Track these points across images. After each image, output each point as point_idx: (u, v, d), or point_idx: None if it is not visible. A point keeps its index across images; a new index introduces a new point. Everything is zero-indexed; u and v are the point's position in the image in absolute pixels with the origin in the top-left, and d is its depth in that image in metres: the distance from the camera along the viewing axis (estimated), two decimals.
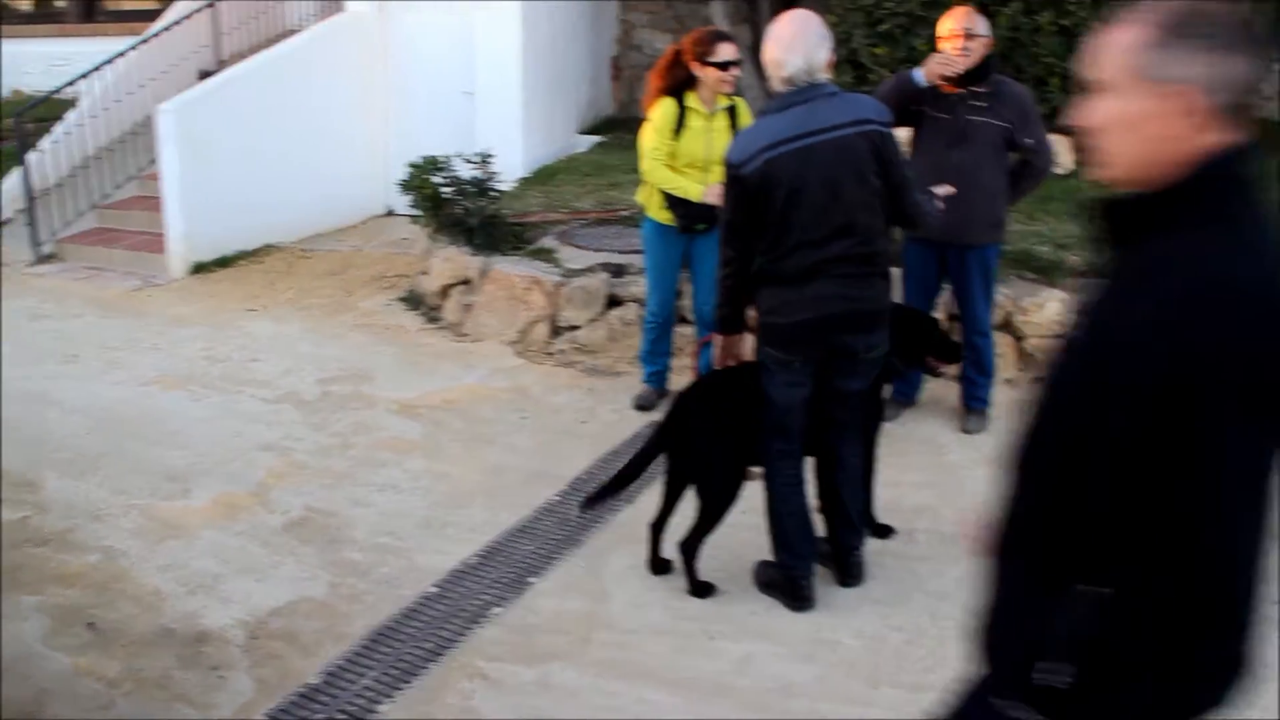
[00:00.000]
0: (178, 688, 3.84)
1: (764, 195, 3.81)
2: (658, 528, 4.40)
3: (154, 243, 9.11)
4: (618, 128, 10.54)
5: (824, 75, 3.89)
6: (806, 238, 3.83)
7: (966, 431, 5.60)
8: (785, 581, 4.16)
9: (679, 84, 5.41)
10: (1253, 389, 1.61)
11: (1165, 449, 1.63)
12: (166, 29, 10.70)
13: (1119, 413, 1.66)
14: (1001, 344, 6.09)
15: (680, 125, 5.37)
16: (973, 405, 5.68)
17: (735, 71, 5.32)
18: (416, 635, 4.08)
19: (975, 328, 5.55)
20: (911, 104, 5.22)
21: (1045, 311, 6.09)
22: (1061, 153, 8.35)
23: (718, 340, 4.19)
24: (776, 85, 3.91)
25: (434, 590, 4.36)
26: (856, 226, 3.85)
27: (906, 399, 5.87)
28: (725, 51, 5.25)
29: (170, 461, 5.54)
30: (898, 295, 5.81)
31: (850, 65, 8.62)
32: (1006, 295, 6.15)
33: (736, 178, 3.86)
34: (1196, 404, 1.60)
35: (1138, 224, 1.75)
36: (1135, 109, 1.70)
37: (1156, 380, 1.62)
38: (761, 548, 4.25)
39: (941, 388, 5.99)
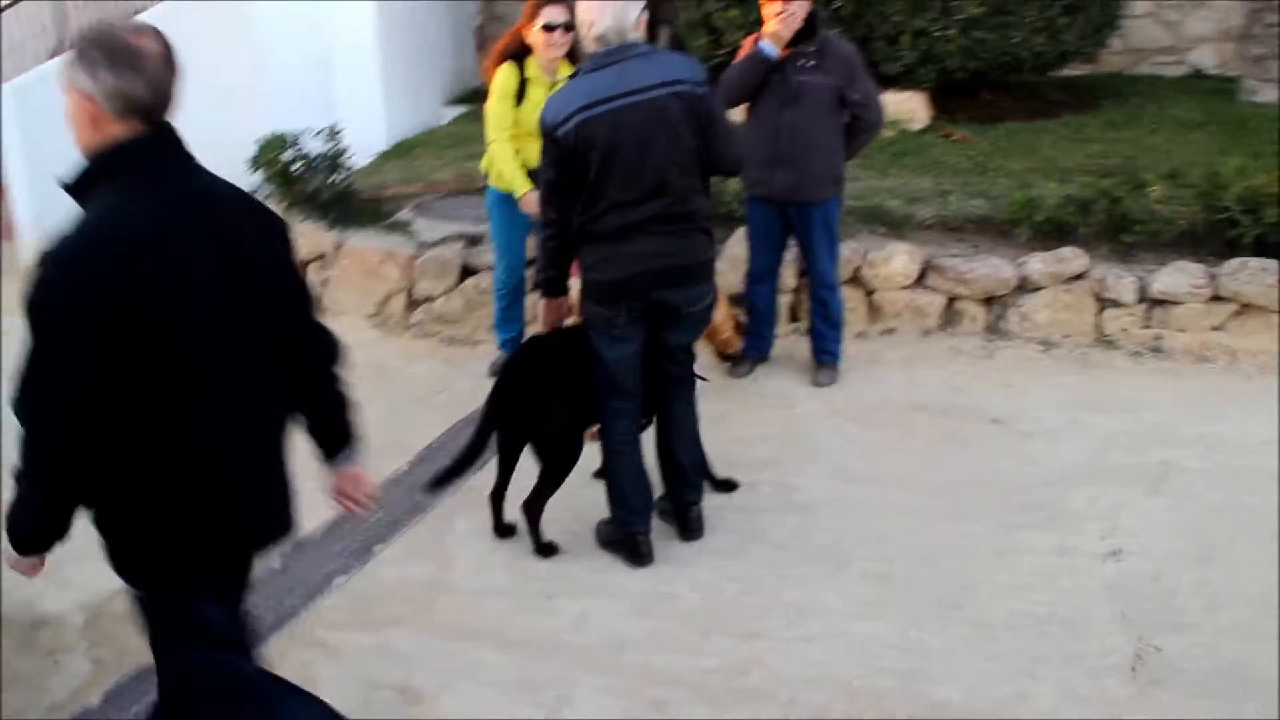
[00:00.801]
0: (12, 673, 3.76)
1: (579, 157, 3.83)
2: (497, 496, 4.41)
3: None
4: (484, 98, 10.42)
5: (636, 35, 3.90)
6: (621, 198, 3.85)
7: (817, 385, 5.69)
8: (624, 539, 4.20)
9: (519, 51, 5.38)
10: (122, 313, 2.29)
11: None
12: (9, 5, 10.30)
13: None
14: (852, 298, 6.20)
15: (521, 95, 5.34)
16: (823, 359, 5.77)
17: (560, 35, 5.23)
18: (258, 608, 4.01)
19: (821, 281, 5.64)
20: (771, 74, 5.31)
21: (892, 264, 6.21)
22: (917, 109, 8.53)
23: (543, 304, 4.20)
24: (589, 46, 3.92)
25: (276, 565, 4.32)
26: (670, 186, 3.88)
27: (759, 354, 5.94)
28: (551, 14, 5.18)
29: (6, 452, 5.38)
30: (741, 255, 5.93)
31: (705, 29, 8.67)
32: (855, 249, 6.25)
33: (552, 139, 3.86)
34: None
35: (80, 187, 2.42)
36: (68, 106, 2.37)
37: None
38: (604, 507, 4.28)
39: (792, 343, 6.08)
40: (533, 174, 5.36)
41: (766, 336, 5.94)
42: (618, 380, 4.11)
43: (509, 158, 5.39)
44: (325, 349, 2.79)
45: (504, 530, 4.43)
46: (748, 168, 5.36)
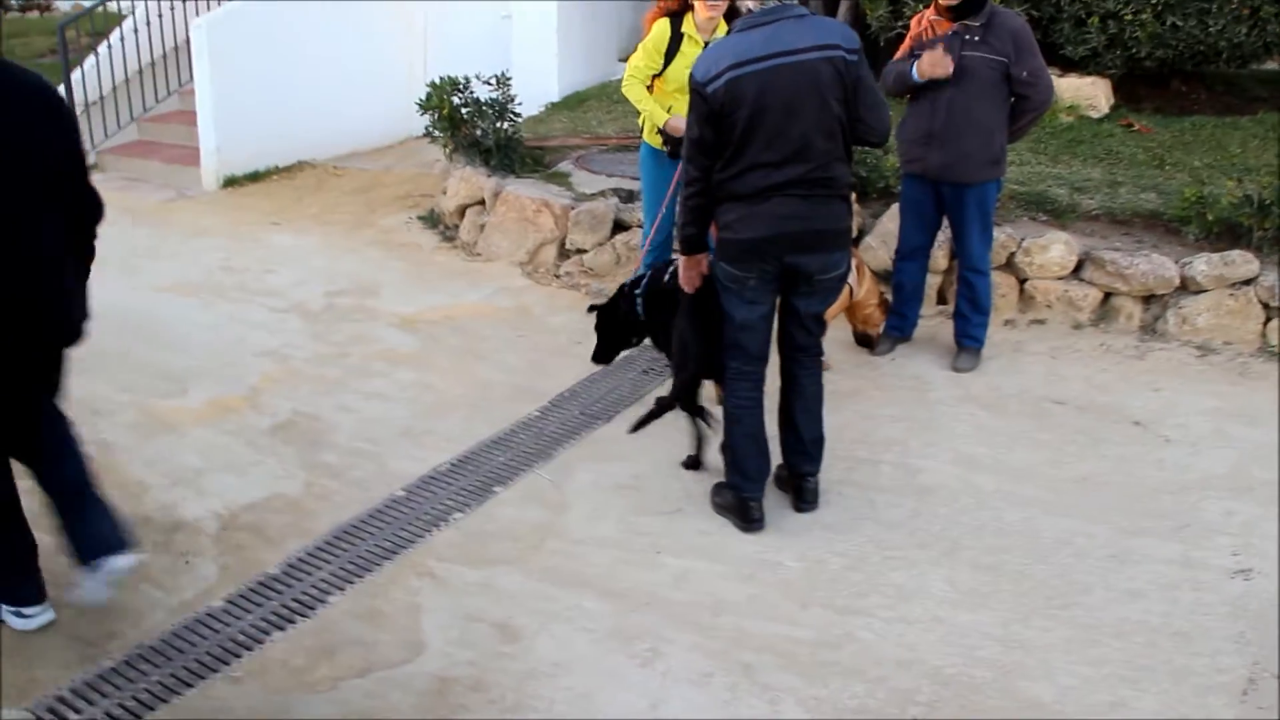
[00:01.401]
0: (147, 571, 3.99)
1: (727, 114, 3.82)
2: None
3: (190, 156, 9.29)
4: None
5: None
6: (763, 159, 3.84)
7: (956, 370, 5.58)
8: (736, 503, 4.22)
9: (680, 8, 5.39)
10: None
11: None
12: None
13: None
14: (1003, 284, 6.06)
15: (675, 50, 5.36)
16: (965, 343, 5.65)
17: None
18: (377, 535, 4.21)
19: (970, 264, 5.51)
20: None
21: (1049, 253, 6.03)
22: (1099, 95, 8.23)
23: (683, 260, 4.21)
24: (747, 3, 3.91)
25: (401, 494, 4.48)
26: (813, 150, 3.85)
27: (901, 334, 5.86)
28: None
29: (173, 364, 5.71)
30: (893, 231, 5.84)
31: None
32: (1011, 235, 6.09)
33: (701, 96, 3.86)
34: None
35: None
36: None
37: None
38: (723, 469, 4.31)
39: (937, 324, 5.98)
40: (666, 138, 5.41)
41: (910, 316, 5.85)
42: (744, 342, 4.11)
43: (642, 94, 5.48)
44: (94, 210, 3.54)
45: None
46: (903, 143, 5.29)
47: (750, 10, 3.91)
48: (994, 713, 3.28)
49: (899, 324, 5.84)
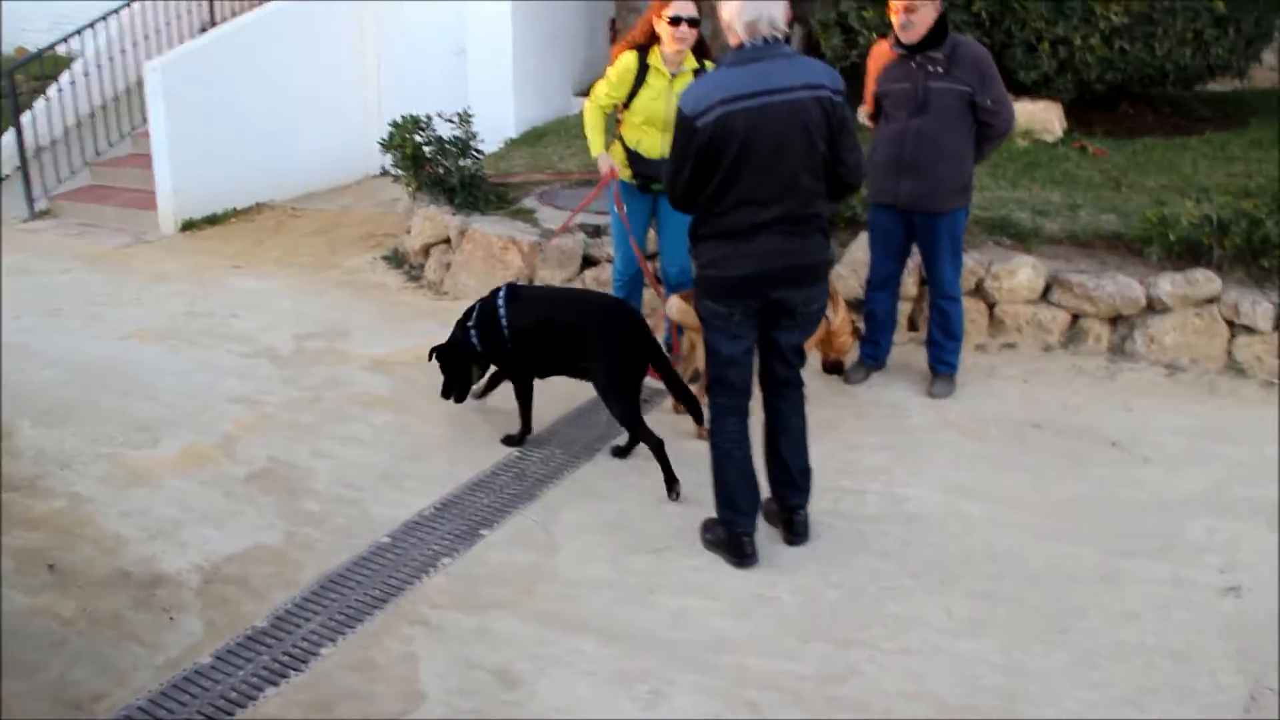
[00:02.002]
0: (129, 627, 3.92)
1: (715, 149, 3.83)
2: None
3: (146, 200, 9.18)
4: None
5: (784, 29, 3.90)
6: (751, 196, 3.85)
7: (932, 395, 5.62)
8: (728, 539, 4.20)
9: (647, 42, 5.40)
10: None
11: None
12: None
13: None
14: (972, 309, 6.11)
15: (640, 82, 5.37)
16: (940, 369, 5.69)
17: (687, 30, 5.23)
18: (364, 583, 4.15)
19: (942, 291, 5.56)
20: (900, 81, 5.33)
21: (1017, 277, 6.09)
22: (1052, 120, 8.35)
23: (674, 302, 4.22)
24: (735, 35, 3.91)
25: (386, 540, 4.43)
26: (800, 188, 3.88)
27: (875, 362, 5.89)
28: (679, 7, 5.19)
29: (142, 413, 5.61)
30: (863, 260, 5.88)
31: (840, 29, 8.60)
32: (979, 261, 6.15)
33: (690, 128, 3.86)
34: None
35: None
36: None
37: None
38: (711, 505, 4.29)
39: (909, 351, 6.02)
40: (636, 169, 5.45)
41: (883, 344, 5.88)
42: (730, 378, 4.11)
43: (595, 124, 5.58)
44: None
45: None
46: (871, 173, 5.34)
47: (739, 45, 3.92)
48: None
49: (873, 352, 5.87)
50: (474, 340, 5.14)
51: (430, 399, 5.66)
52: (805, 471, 4.32)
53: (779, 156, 3.84)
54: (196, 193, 9.04)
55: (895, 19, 5.17)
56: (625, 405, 4.81)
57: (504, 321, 5.02)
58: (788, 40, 3.96)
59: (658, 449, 4.72)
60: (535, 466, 5.00)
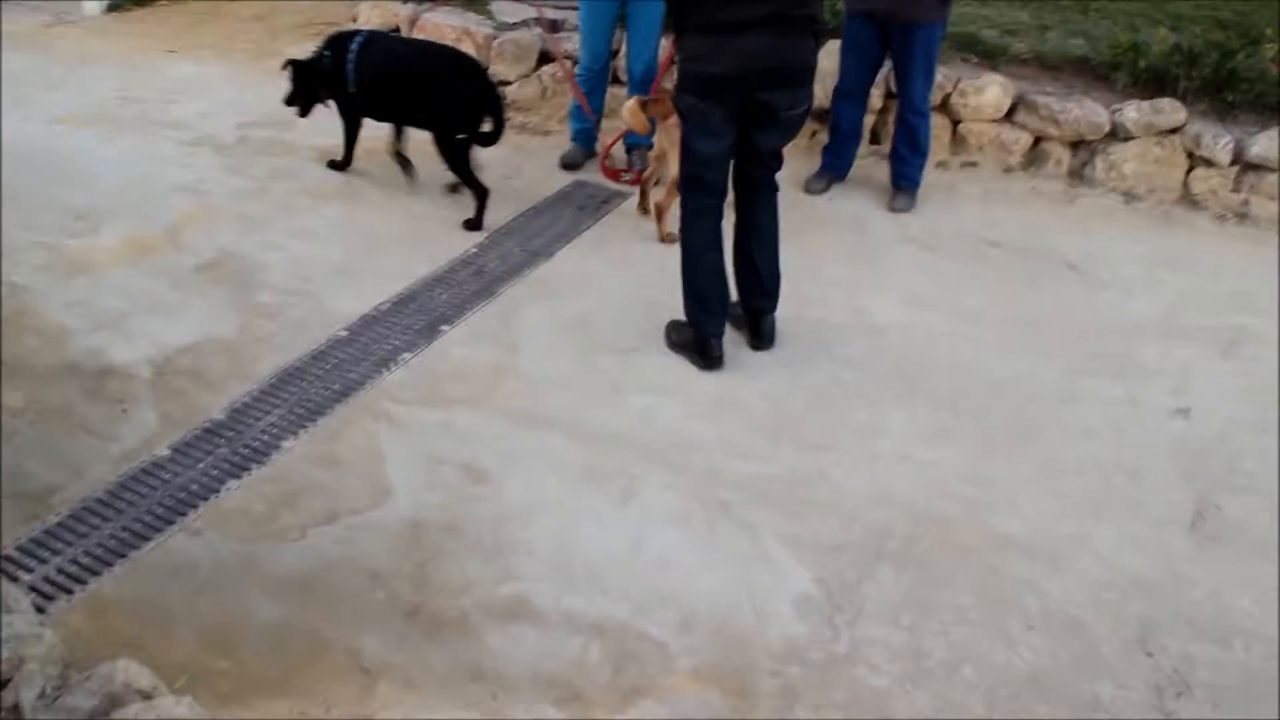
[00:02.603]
0: (81, 419, 3.82)
1: None
2: None
3: None
4: None
5: None
6: None
7: (893, 210, 5.57)
8: (696, 341, 4.17)
9: None
10: None
11: None
12: None
13: None
14: (937, 125, 6.01)
15: None
16: (901, 184, 5.64)
17: None
18: (324, 377, 4.07)
19: (912, 106, 5.46)
20: None
21: (985, 96, 5.99)
22: None
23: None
24: None
25: (344, 334, 4.34)
26: None
27: (837, 173, 5.81)
28: None
29: (79, 201, 5.36)
30: (830, 70, 5.73)
31: None
32: (946, 76, 6.03)
33: None
34: None
35: None
36: None
37: None
38: (675, 308, 4.25)
39: (870, 165, 5.94)
40: None
41: (846, 156, 5.80)
42: (707, 176, 4.02)
43: None
44: None
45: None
46: None
47: None
48: (968, 546, 3.35)
49: (835, 163, 5.80)
50: (351, 63, 5.33)
51: (384, 191, 5.53)
52: (774, 275, 4.27)
53: None
54: None
55: None
56: (455, 155, 5.15)
57: (351, 64, 5.29)
58: None
59: (481, 197, 5.19)
60: (494, 264, 4.90)
